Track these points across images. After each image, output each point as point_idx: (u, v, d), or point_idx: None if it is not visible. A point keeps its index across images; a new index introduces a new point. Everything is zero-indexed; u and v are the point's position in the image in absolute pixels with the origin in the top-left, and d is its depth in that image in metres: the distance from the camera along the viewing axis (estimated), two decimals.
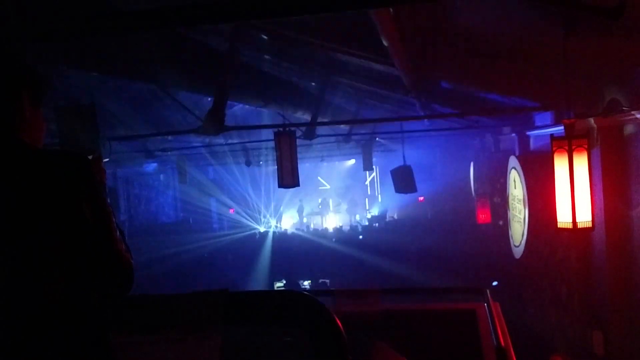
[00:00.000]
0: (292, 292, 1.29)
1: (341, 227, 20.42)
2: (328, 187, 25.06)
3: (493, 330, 2.61)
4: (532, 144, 8.43)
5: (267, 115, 12.82)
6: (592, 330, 6.19)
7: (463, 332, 2.97)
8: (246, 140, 13.47)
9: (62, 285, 1.61)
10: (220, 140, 11.99)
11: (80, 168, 1.69)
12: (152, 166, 18.03)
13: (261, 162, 17.46)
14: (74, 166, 1.68)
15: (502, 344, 2.49)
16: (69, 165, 1.68)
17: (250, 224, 21.31)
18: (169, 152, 12.53)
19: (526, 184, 7.37)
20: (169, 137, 10.97)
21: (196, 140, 12.22)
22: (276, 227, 21.92)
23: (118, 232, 1.74)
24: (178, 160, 13.90)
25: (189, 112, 6.47)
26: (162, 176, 19.59)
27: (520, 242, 7.84)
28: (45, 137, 1.89)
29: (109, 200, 1.78)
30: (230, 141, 13.59)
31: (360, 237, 17.24)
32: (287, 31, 5.78)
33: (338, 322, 1.28)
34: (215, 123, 6.05)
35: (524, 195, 7.44)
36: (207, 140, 11.82)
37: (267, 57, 8.43)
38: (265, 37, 6.59)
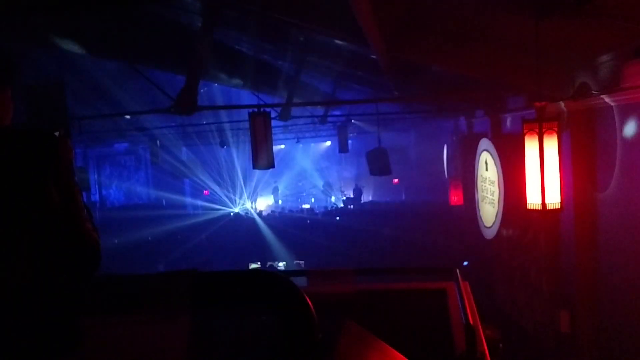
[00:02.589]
0: (262, 272, 1.28)
1: (315, 208, 20.43)
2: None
3: (462, 308, 2.66)
4: (506, 127, 8.53)
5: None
6: (559, 310, 6.36)
7: (434, 310, 3.03)
8: (218, 121, 13.34)
9: (29, 265, 1.57)
10: (193, 120, 11.85)
11: (46, 145, 1.64)
12: (123, 146, 17.75)
13: (237, 143, 17.31)
14: (40, 144, 1.63)
15: (471, 322, 2.53)
16: (35, 143, 1.63)
17: (224, 205, 21.18)
18: (140, 132, 12.33)
19: (501, 166, 7.43)
20: (142, 117, 10.79)
21: (169, 120, 12.06)
22: (250, 208, 21.83)
23: (85, 211, 1.70)
24: (150, 140, 13.70)
25: (161, 91, 6.36)
26: (133, 157, 19.30)
27: (493, 223, 7.92)
28: (14, 117, 1.84)
29: (76, 179, 1.74)
30: (204, 122, 13.45)
31: (337, 218, 17.31)
32: (262, 10, 5.70)
33: (308, 301, 1.29)
34: (188, 102, 5.97)
35: (498, 177, 7.50)
36: (179, 120, 11.67)
37: (242, 36, 8.31)
38: (239, 15, 6.49)
